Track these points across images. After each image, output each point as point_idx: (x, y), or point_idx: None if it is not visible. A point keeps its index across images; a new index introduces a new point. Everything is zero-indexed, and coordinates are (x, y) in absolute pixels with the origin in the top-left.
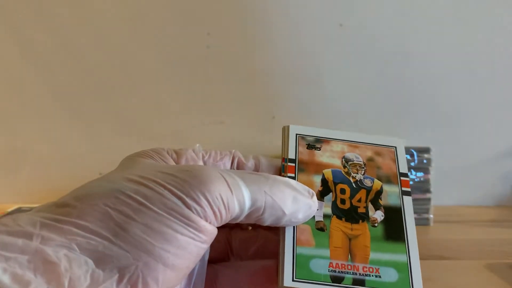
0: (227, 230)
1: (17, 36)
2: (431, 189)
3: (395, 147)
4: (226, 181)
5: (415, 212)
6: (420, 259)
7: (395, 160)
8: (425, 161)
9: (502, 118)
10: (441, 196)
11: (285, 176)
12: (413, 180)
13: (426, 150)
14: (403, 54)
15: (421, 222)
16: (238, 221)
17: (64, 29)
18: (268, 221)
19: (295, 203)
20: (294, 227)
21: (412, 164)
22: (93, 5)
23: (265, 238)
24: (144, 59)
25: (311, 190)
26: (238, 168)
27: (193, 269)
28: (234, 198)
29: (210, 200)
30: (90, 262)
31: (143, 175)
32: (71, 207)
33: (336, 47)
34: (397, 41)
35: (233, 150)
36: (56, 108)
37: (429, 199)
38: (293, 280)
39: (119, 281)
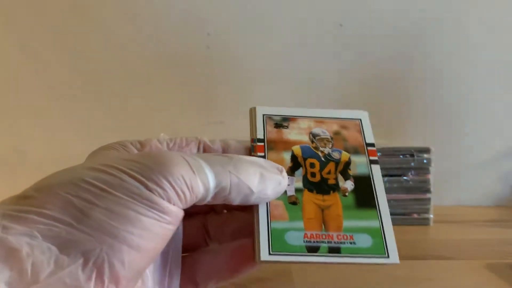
0: (202, 216)
1: (17, 36)
2: (431, 189)
3: (360, 119)
4: (188, 163)
5: (415, 212)
6: (420, 259)
7: (361, 131)
8: (425, 161)
9: (502, 118)
10: (441, 196)
11: (255, 156)
12: (413, 180)
13: (426, 150)
14: (403, 54)
15: (421, 222)
16: (205, 202)
17: (64, 29)
18: (236, 200)
19: (263, 180)
20: (267, 203)
21: (412, 164)
22: (93, 5)
23: (241, 219)
24: (144, 59)
25: (280, 166)
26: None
27: (167, 257)
28: (198, 179)
29: (172, 182)
30: (54, 248)
31: (104, 163)
32: (32, 198)
33: (336, 47)
34: (397, 41)
35: (199, 136)
36: (56, 108)
37: (429, 199)
38: (269, 254)
39: (85, 264)
